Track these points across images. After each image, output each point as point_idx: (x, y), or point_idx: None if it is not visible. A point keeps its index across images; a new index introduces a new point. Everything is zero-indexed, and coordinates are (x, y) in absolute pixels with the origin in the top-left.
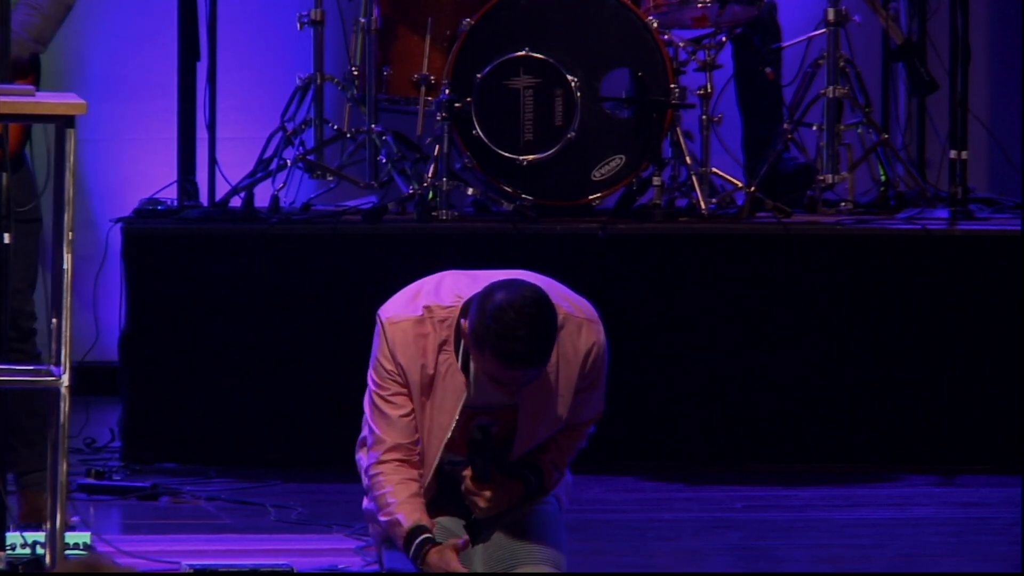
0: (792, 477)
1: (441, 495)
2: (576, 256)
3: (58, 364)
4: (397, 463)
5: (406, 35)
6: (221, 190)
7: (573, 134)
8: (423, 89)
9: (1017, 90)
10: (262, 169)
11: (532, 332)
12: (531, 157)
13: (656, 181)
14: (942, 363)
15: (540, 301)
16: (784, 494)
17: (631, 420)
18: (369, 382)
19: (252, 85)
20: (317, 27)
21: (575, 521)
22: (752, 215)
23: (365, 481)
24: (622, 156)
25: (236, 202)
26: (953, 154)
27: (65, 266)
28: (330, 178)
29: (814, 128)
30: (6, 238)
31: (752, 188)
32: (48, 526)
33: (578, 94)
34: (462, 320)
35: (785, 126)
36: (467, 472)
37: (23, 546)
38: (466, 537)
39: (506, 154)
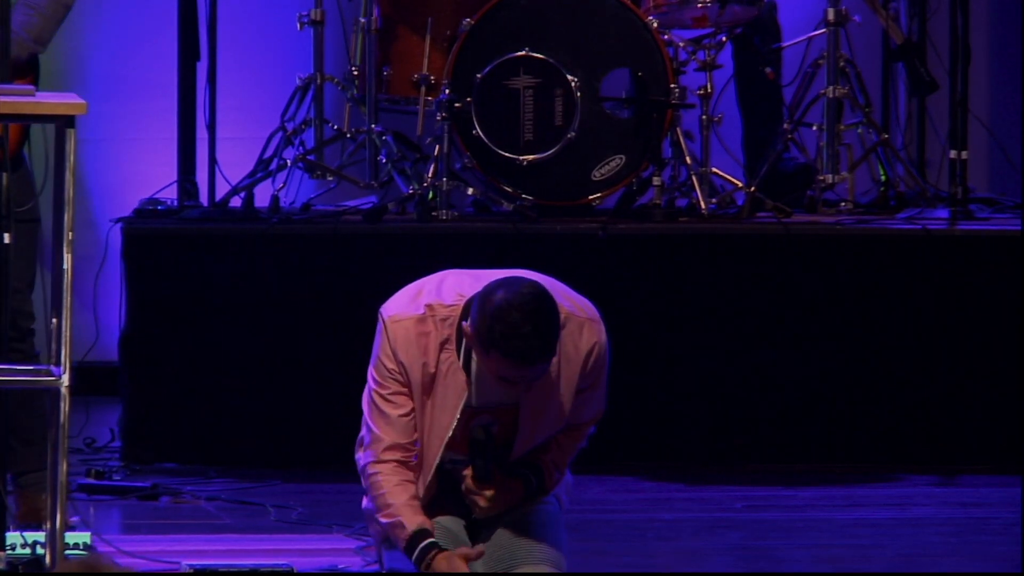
0: (792, 477)
1: (441, 494)
2: (576, 256)
3: (58, 364)
4: (395, 464)
5: (406, 35)
6: (221, 190)
7: (573, 134)
8: (423, 89)
9: (1017, 90)
10: (262, 169)
11: (536, 328)
12: (531, 157)
13: (656, 181)
14: (942, 363)
15: (540, 296)
16: (784, 494)
17: (631, 420)
18: (369, 380)
19: (252, 85)
20: (317, 27)
21: (575, 521)
22: (752, 215)
23: (362, 478)
24: (622, 156)
25: (236, 202)
26: (953, 154)
27: (65, 266)
28: (330, 178)
29: (814, 128)
30: (6, 238)
31: (752, 188)
32: (48, 526)
33: (578, 94)
34: (464, 323)
35: (785, 126)
36: (468, 472)
37: (23, 546)
38: (481, 547)
39: (506, 154)
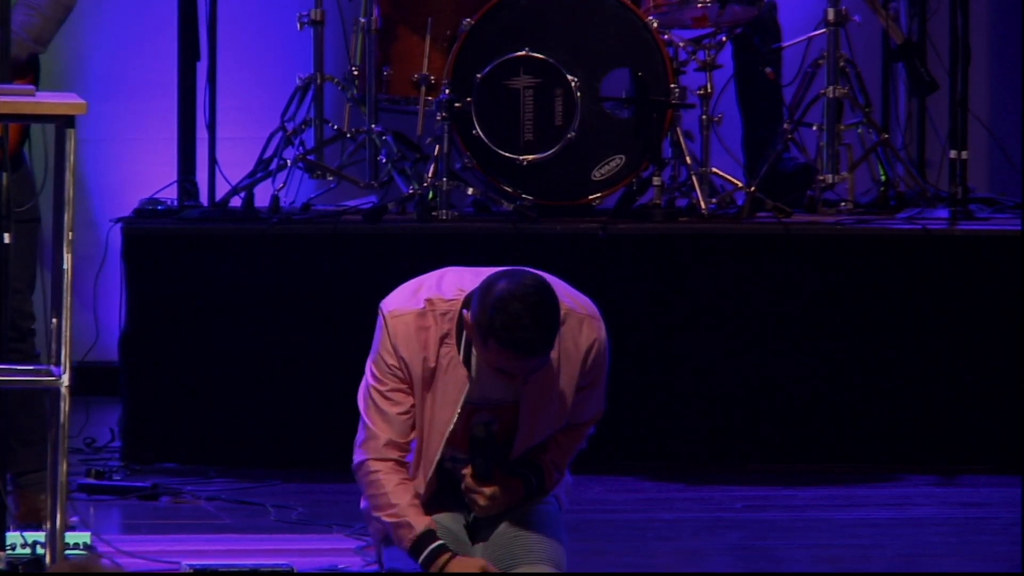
0: (792, 477)
1: (441, 493)
2: (576, 256)
3: (58, 364)
4: (394, 463)
5: (406, 35)
6: (221, 190)
7: (573, 134)
8: (423, 89)
9: (1017, 90)
10: (262, 169)
11: (537, 320)
12: (531, 157)
13: (656, 181)
14: (942, 363)
15: (542, 288)
16: (784, 494)
17: (631, 420)
18: (368, 376)
19: (252, 85)
20: (317, 27)
21: (575, 521)
22: (752, 215)
23: (359, 477)
24: (622, 156)
25: (236, 202)
26: (953, 154)
27: (65, 266)
28: (330, 178)
29: (814, 128)
30: (6, 238)
31: (752, 188)
32: (48, 526)
33: (578, 94)
34: (464, 311)
35: (785, 126)
36: (467, 471)
37: (23, 546)
38: (495, 572)
39: (506, 154)
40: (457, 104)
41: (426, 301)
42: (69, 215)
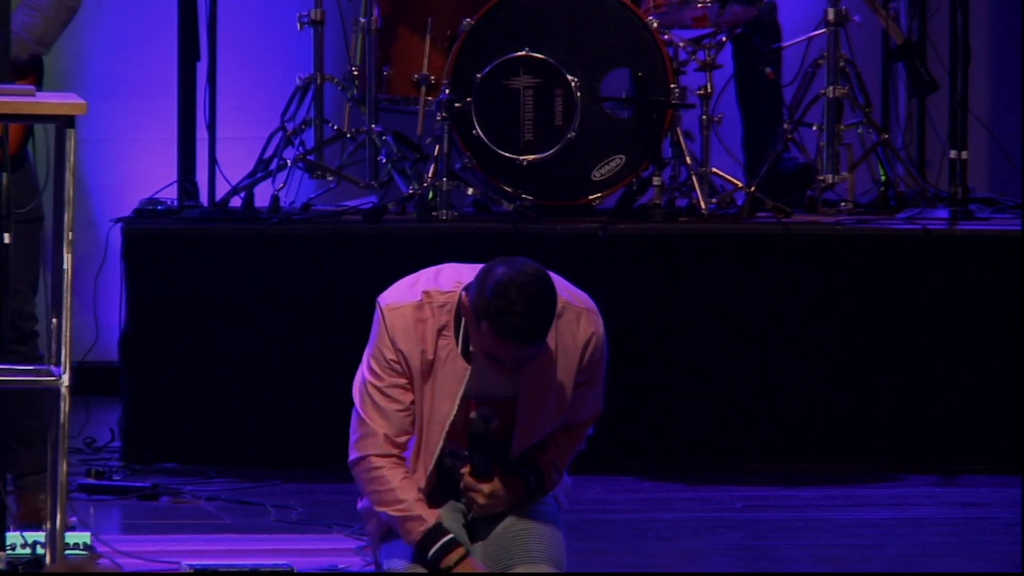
0: (792, 477)
1: (440, 493)
2: (576, 256)
3: (58, 364)
4: (395, 459)
5: (406, 35)
6: (221, 190)
7: (573, 134)
8: (423, 89)
9: (1017, 90)
10: (262, 169)
11: (531, 308)
12: (531, 157)
13: (656, 181)
14: (942, 363)
15: (541, 279)
16: (784, 494)
17: (631, 420)
18: (366, 372)
19: (252, 85)
20: (317, 27)
21: (575, 521)
22: (752, 215)
23: (359, 473)
24: (622, 156)
25: (236, 202)
26: (953, 154)
27: (65, 266)
28: (330, 178)
29: (814, 128)
30: (6, 238)
31: (752, 188)
32: (48, 526)
33: (578, 94)
34: (463, 294)
35: (785, 126)
36: (466, 470)
37: (23, 546)
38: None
39: (506, 154)
40: (457, 104)
41: (423, 293)
42: (69, 215)
